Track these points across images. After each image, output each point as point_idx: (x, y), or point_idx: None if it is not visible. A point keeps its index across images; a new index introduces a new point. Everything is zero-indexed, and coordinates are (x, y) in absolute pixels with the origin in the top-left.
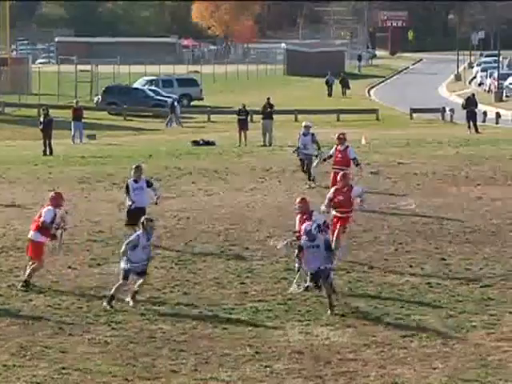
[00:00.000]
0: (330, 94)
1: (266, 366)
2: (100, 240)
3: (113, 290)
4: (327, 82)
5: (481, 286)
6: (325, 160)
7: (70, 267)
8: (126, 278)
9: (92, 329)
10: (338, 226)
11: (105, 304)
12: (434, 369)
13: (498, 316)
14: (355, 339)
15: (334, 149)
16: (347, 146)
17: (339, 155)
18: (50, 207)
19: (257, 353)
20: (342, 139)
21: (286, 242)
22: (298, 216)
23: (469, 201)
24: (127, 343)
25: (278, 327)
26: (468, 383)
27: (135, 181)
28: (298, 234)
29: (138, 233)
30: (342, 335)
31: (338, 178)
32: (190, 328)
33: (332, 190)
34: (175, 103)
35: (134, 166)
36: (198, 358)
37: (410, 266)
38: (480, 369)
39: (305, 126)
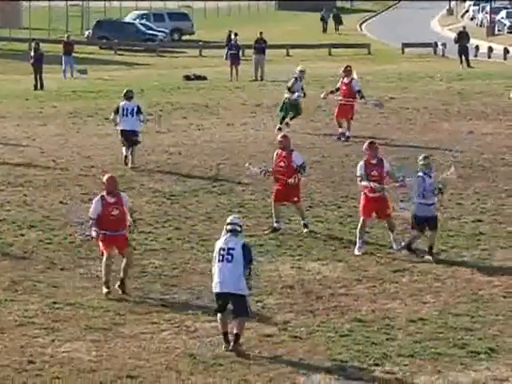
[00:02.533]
0: (325, 30)
1: (257, 301)
2: (91, 175)
3: None
4: (322, 18)
5: (472, 221)
6: (332, 92)
7: (61, 202)
8: None
9: (84, 263)
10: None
11: None
12: (425, 303)
13: (489, 251)
14: (346, 274)
15: (339, 82)
16: (352, 79)
17: (344, 87)
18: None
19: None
20: (348, 71)
21: (260, 170)
22: (278, 151)
23: (460, 135)
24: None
25: (270, 262)
26: (459, 317)
27: (127, 103)
28: (271, 169)
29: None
30: (333, 270)
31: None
32: (181, 263)
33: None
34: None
35: (126, 89)
36: (189, 293)
37: (401, 201)
38: (471, 303)
39: (300, 71)
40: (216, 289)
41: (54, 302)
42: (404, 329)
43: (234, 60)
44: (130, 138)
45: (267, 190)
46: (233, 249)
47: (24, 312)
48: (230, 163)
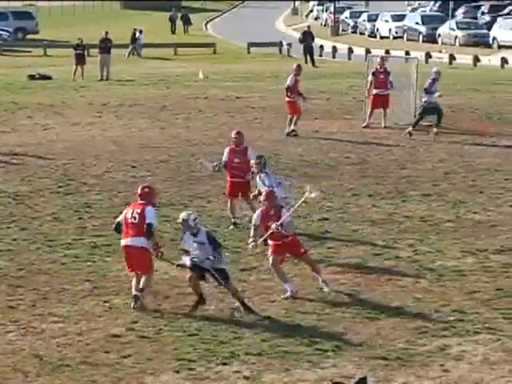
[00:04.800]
0: (173, 32)
1: (104, 302)
2: None
3: None
4: (170, 19)
5: (318, 220)
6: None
7: None
8: None
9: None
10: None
11: None
12: (273, 302)
13: (335, 249)
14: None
15: (371, 75)
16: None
17: (381, 76)
18: (149, 206)
19: (95, 288)
20: (385, 59)
21: (214, 164)
22: (231, 147)
23: (306, 134)
24: None
25: (118, 262)
26: (306, 315)
27: None
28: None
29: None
30: (181, 270)
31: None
32: (27, 263)
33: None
34: (137, 34)
35: None
36: (35, 294)
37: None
38: (317, 302)
39: (436, 72)
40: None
41: None
42: (252, 328)
43: (80, 60)
44: None
45: (113, 190)
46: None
47: None
48: (77, 163)
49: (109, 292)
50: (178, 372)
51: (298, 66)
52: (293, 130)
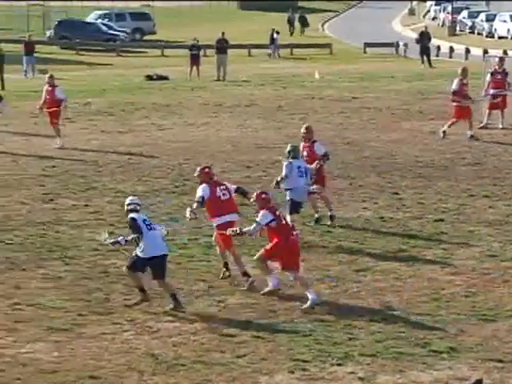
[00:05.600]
0: (291, 33)
1: (219, 301)
2: (53, 175)
3: None
4: (289, 20)
5: (434, 221)
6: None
7: (22, 202)
8: None
9: (45, 264)
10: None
11: None
12: (387, 303)
13: (451, 250)
14: (308, 274)
15: (489, 75)
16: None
17: (499, 76)
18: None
19: (210, 287)
20: (504, 60)
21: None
22: (302, 143)
23: (422, 135)
24: (81, 278)
25: (232, 262)
26: (420, 317)
27: None
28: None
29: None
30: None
31: None
32: None
33: None
34: (275, 35)
35: None
36: (151, 293)
37: (364, 201)
38: (432, 302)
39: None
40: (156, 252)
41: (15, 303)
42: (366, 328)
43: (195, 61)
44: None
45: None
46: (147, 219)
47: None
48: (192, 163)
49: (224, 292)
50: (292, 372)
51: (463, 70)
52: (472, 136)
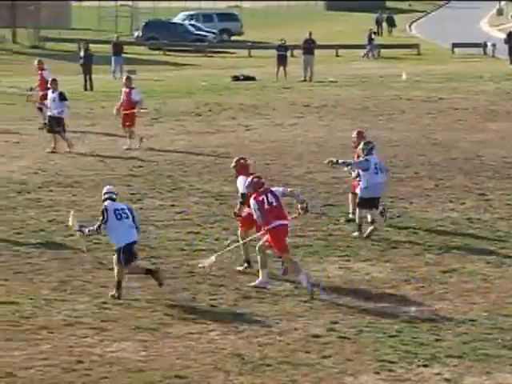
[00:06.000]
0: (380, 34)
1: (305, 302)
2: (140, 175)
3: None
4: (377, 21)
5: None
6: None
7: None
8: None
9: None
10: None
11: None
12: (474, 304)
13: None
14: (394, 275)
15: None
16: None
17: None
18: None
19: (296, 288)
20: None
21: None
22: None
23: (509, 136)
24: (167, 278)
25: (317, 262)
26: (508, 318)
27: (52, 91)
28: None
29: None
30: (381, 271)
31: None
32: (228, 263)
33: None
34: (372, 35)
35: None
36: (237, 293)
37: (451, 202)
38: None
39: None
40: (130, 239)
41: (103, 302)
42: (453, 330)
43: (282, 61)
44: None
45: (314, 190)
46: (123, 208)
47: (72, 312)
48: (278, 164)
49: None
50: (378, 373)
51: None
52: None
